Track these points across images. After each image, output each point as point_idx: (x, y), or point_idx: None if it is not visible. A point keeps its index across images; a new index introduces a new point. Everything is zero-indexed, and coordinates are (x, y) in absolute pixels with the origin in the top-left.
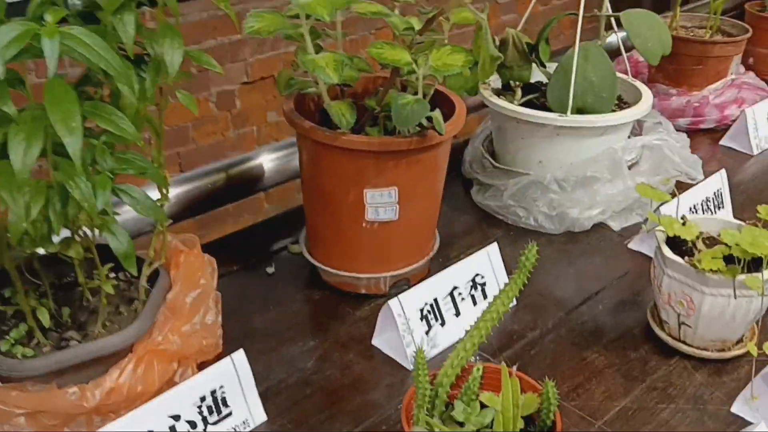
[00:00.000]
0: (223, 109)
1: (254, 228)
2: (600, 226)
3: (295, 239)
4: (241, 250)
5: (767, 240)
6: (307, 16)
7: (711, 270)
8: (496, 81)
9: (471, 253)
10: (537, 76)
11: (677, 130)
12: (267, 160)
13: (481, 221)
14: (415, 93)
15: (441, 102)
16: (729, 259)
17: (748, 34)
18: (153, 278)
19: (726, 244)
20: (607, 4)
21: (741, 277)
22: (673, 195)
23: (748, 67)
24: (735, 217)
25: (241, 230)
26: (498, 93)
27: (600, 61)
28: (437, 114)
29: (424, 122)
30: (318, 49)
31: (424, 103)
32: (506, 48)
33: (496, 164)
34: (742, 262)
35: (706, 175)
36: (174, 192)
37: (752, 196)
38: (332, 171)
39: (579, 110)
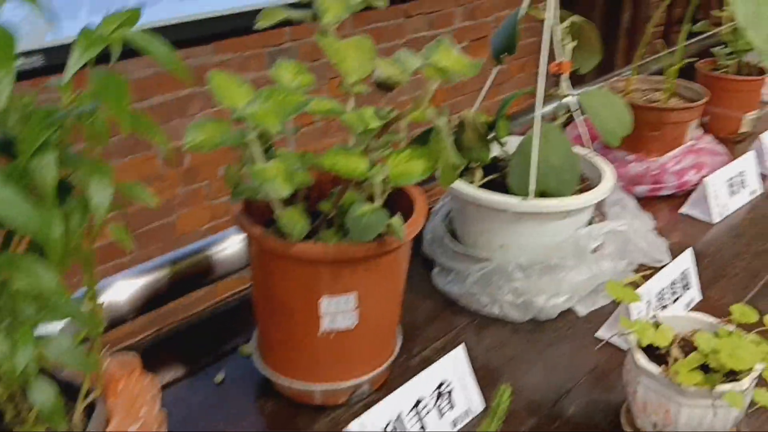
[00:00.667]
0: (171, 167)
1: (202, 324)
2: (567, 312)
3: (247, 338)
4: (188, 352)
5: (748, 352)
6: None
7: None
8: None
9: (435, 348)
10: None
11: (637, 198)
12: (217, 252)
13: (444, 307)
14: (372, 198)
15: (399, 197)
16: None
17: (705, 99)
18: (89, 409)
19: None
20: (565, 82)
21: (720, 388)
22: (642, 281)
23: (702, 126)
24: (704, 294)
25: (189, 327)
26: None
27: (560, 143)
28: (396, 221)
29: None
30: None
31: (382, 213)
32: (463, 130)
33: (458, 248)
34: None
35: (670, 246)
36: (121, 289)
37: (718, 269)
38: (285, 280)
39: (541, 193)
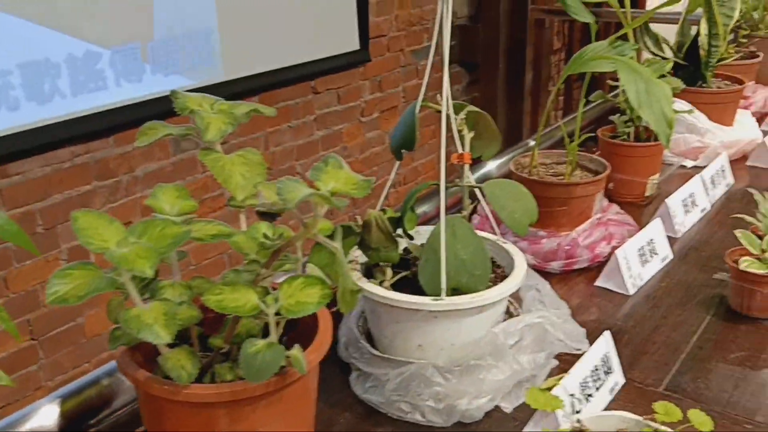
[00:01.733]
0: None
1: None
2: (492, 410)
3: None
4: None
5: None
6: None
7: None
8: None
9: None
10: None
11: (552, 273)
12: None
13: (364, 418)
14: (267, 332)
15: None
16: None
17: (608, 171)
18: None
19: None
20: (467, 173)
21: None
22: (558, 382)
23: (607, 193)
24: (626, 376)
25: None
26: (367, 271)
27: (469, 237)
28: (296, 354)
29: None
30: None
31: (279, 348)
32: (369, 230)
33: (374, 351)
34: None
35: (588, 324)
36: None
37: (638, 347)
38: (178, 426)
39: (454, 290)
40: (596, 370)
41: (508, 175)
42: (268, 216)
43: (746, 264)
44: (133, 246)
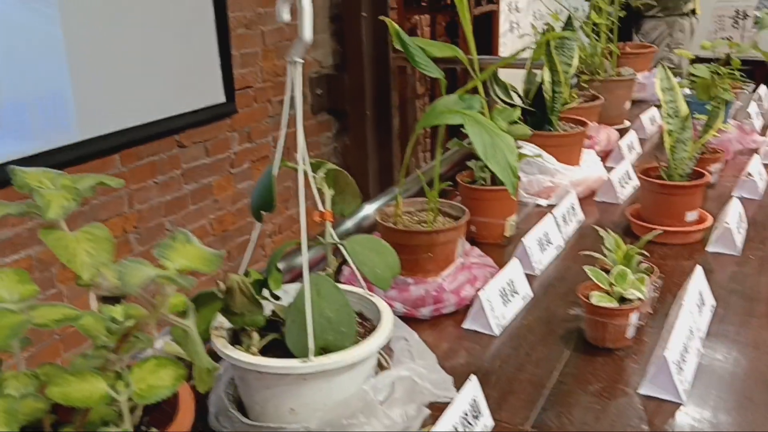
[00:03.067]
0: None
1: None
2: None
3: None
4: None
5: None
6: None
7: None
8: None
9: None
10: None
11: (420, 320)
12: None
13: None
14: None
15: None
16: None
17: (466, 217)
18: None
19: None
20: (330, 230)
21: None
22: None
23: (470, 235)
24: (495, 417)
25: None
26: (235, 336)
27: (333, 295)
28: None
29: None
30: None
31: None
32: (233, 295)
33: (245, 420)
34: None
35: (457, 370)
36: None
37: (505, 387)
38: None
39: (321, 349)
40: (465, 415)
41: (374, 225)
42: (111, 300)
43: (597, 299)
44: None
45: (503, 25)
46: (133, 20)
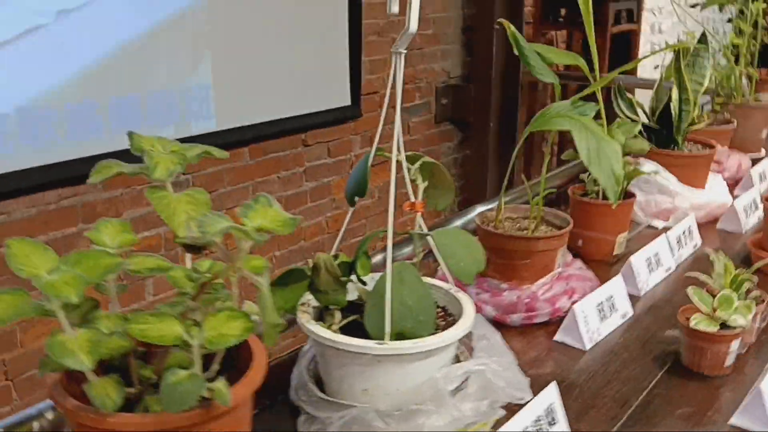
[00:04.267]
0: None
1: None
2: None
3: None
4: None
5: None
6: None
7: None
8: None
9: None
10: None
11: (510, 326)
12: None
13: None
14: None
15: (240, 350)
16: None
17: (570, 227)
18: None
19: None
20: (420, 221)
21: None
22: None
23: (576, 250)
24: (572, 427)
25: None
26: (318, 314)
27: (415, 284)
28: (220, 386)
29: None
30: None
31: (199, 379)
32: (318, 273)
33: (321, 394)
34: None
35: (541, 379)
36: None
37: (587, 400)
38: None
39: (398, 335)
40: (538, 420)
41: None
42: (193, 248)
43: (696, 322)
44: (61, 274)
45: (644, 46)
46: (272, 22)
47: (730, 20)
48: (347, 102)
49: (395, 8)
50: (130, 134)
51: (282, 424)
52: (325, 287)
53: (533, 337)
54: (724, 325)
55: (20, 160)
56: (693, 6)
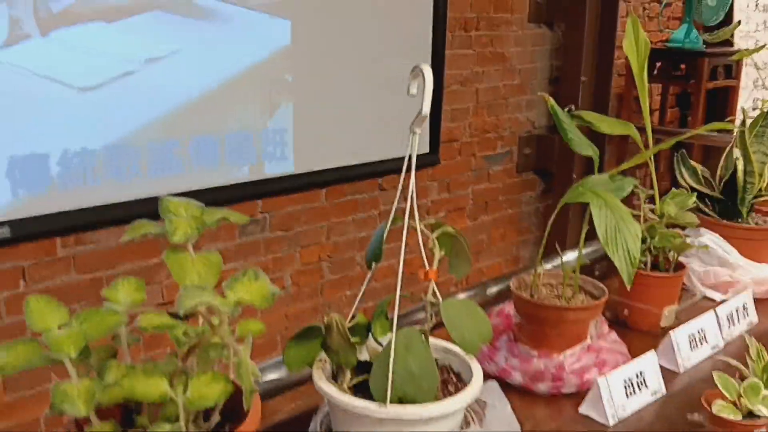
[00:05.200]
0: None
1: None
2: None
3: None
4: None
5: None
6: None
7: None
8: None
9: None
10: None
11: (536, 394)
12: None
13: None
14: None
15: (232, 401)
16: None
17: (604, 298)
18: None
19: None
20: (433, 288)
21: None
22: None
23: (623, 318)
24: None
25: None
26: (335, 372)
27: (420, 350)
28: None
29: None
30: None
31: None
32: (330, 333)
33: None
34: None
35: None
36: None
37: None
38: None
39: (401, 399)
40: None
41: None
42: (176, 316)
43: (718, 408)
44: (68, 330)
45: (746, 102)
46: (355, 68)
47: None
48: (426, 149)
49: (413, 91)
50: (160, 199)
51: None
52: (336, 347)
53: (559, 407)
54: (750, 415)
55: (106, 194)
56: None
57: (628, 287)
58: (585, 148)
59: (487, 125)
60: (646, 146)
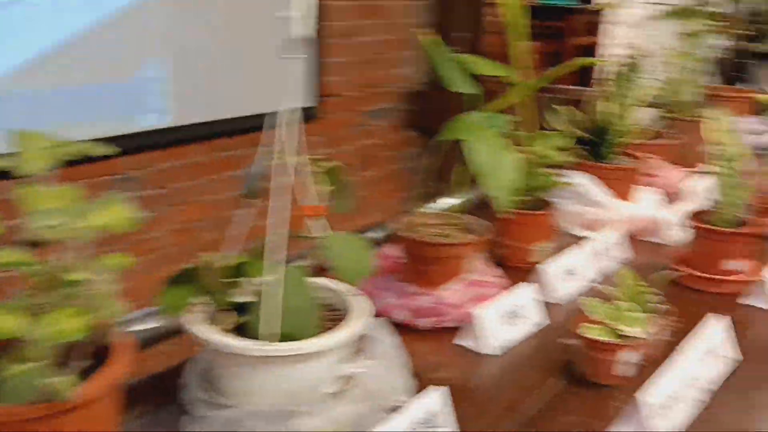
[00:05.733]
0: None
1: None
2: None
3: None
4: None
5: None
6: None
7: None
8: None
9: None
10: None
11: (420, 329)
12: None
13: None
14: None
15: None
16: None
17: (485, 236)
18: None
19: None
20: (316, 225)
21: None
22: None
23: (500, 258)
24: None
25: None
26: (213, 316)
27: (299, 286)
28: (62, 380)
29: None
30: None
31: (38, 372)
32: (206, 275)
33: (203, 395)
34: None
35: (438, 383)
36: None
37: (477, 408)
38: None
39: (284, 337)
40: (421, 423)
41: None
42: (32, 246)
43: (588, 330)
44: None
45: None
46: (236, 19)
47: (685, 35)
48: (307, 104)
49: (290, 13)
50: (12, 132)
51: (169, 426)
52: (211, 288)
53: (439, 341)
54: (619, 335)
55: None
56: (650, 20)
57: (499, 213)
58: (463, 85)
59: (369, 80)
60: None
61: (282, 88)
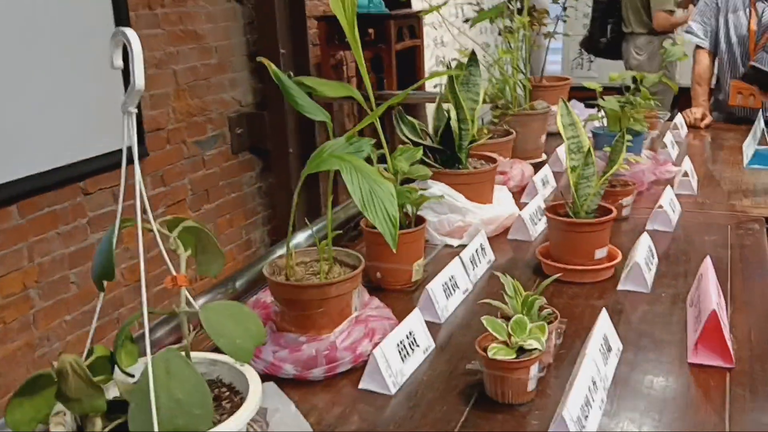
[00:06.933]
0: None
1: None
2: None
3: None
4: None
5: None
6: None
7: None
8: None
9: None
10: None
11: (313, 381)
12: None
13: None
14: None
15: None
16: None
17: (362, 266)
18: None
19: None
20: (186, 297)
21: None
22: None
23: (376, 283)
24: None
25: None
26: (81, 424)
27: (184, 372)
28: None
29: None
30: None
31: None
32: (66, 380)
33: None
34: None
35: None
36: None
37: None
38: None
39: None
40: None
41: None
42: None
43: (494, 351)
44: None
45: (429, 60)
46: (34, 62)
47: (500, 33)
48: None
49: (118, 62)
50: None
51: None
52: (77, 394)
53: (338, 389)
54: (521, 350)
55: None
56: (465, 21)
57: (394, 250)
58: (316, 113)
59: (192, 108)
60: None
61: (101, 131)
